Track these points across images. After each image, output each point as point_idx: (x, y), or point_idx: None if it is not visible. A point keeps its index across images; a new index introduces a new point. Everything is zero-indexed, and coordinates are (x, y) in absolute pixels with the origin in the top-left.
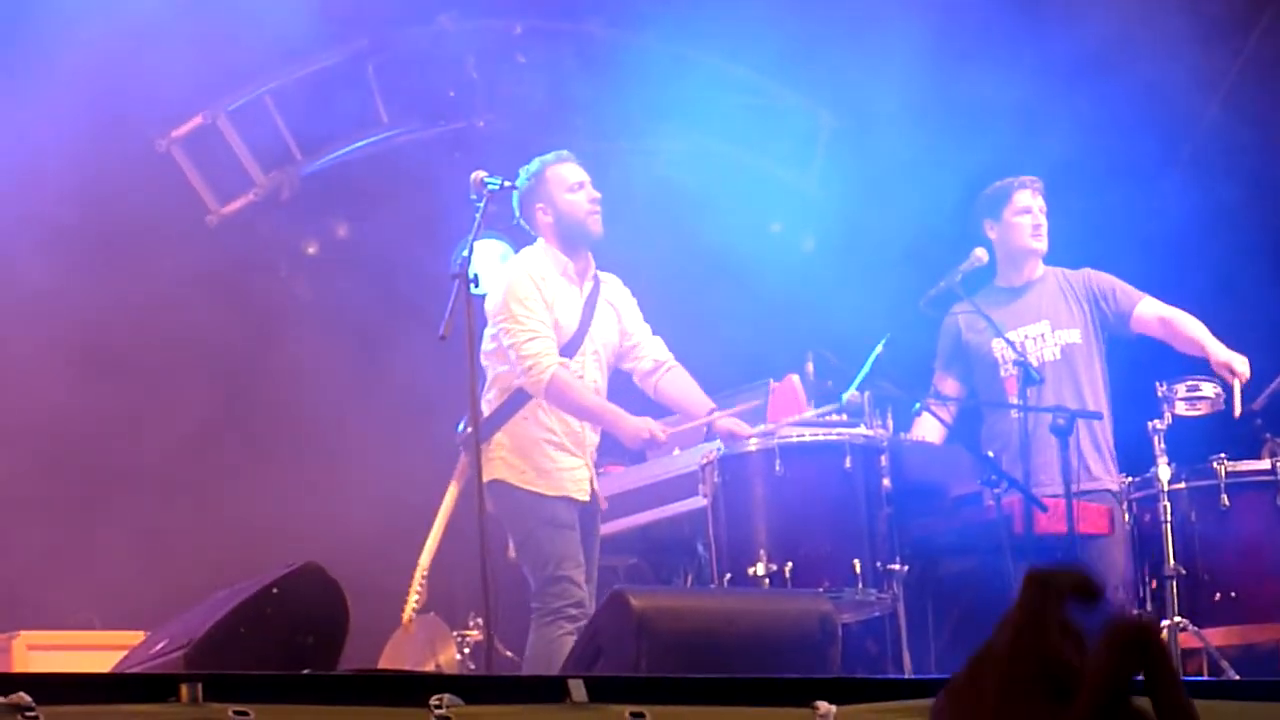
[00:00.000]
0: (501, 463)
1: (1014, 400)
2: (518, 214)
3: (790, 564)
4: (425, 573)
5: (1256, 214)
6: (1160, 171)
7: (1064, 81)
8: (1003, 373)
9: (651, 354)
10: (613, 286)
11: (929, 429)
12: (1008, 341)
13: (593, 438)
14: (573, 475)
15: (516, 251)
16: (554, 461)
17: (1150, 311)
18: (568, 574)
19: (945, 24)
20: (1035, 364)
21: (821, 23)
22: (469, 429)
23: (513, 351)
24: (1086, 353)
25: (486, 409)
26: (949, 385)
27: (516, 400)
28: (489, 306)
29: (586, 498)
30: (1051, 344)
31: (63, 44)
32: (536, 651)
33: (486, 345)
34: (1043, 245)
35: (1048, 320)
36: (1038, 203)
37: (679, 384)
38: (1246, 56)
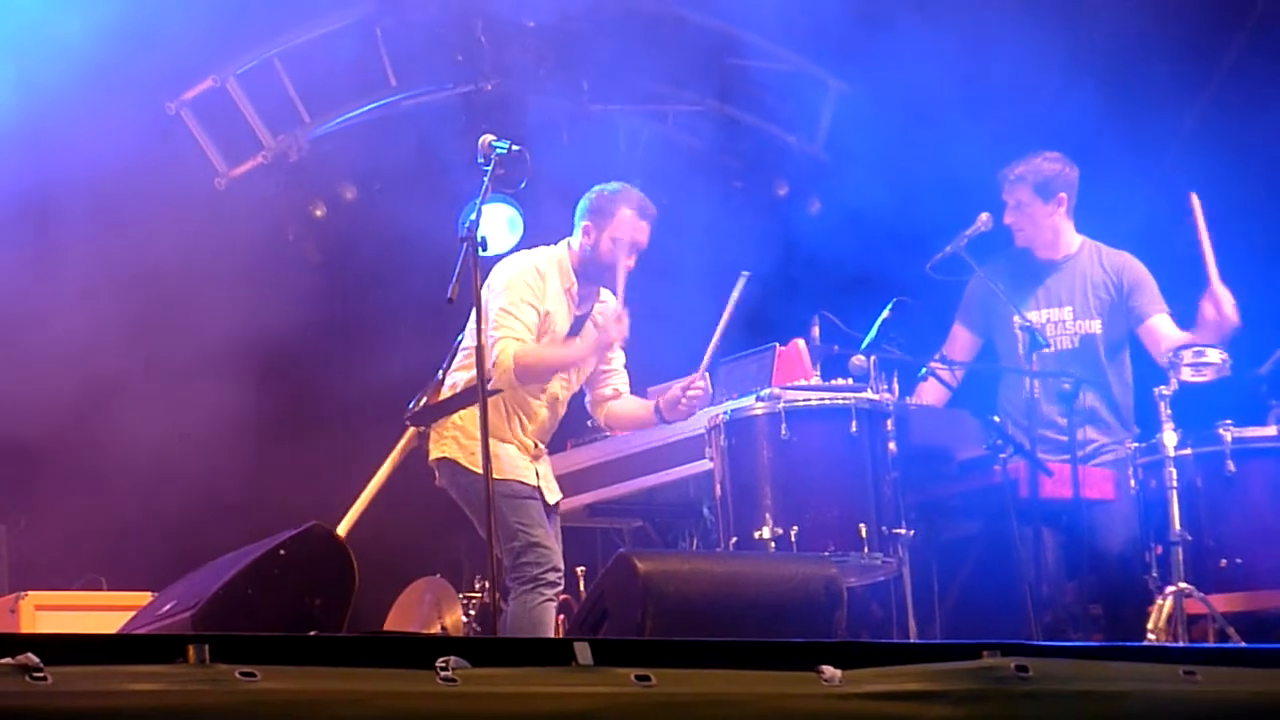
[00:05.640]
0: (453, 442)
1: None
2: (578, 215)
3: (796, 528)
4: None
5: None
6: (1162, 146)
7: (1072, 59)
8: (1020, 348)
9: (615, 383)
10: (604, 309)
11: (931, 393)
12: (1022, 315)
13: (540, 445)
14: (517, 468)
15: (523, 215)
16: (504, 451)
17: (1160, 330)
18: (538, 540)
19: None
20: (1053, 349)
21: None
22: (421, 402)
23: (491, 336)
24: (1106, 342)
25: (449, 391)
26: (963, 337)
27: (476, 392)
28: (487, 288)
29: (535, 483)
30: (1070, 332)
31: (73, 6)
32: (518, 623)
33: (469, 329)
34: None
35: (1070, 307)
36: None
37: (627, 405)
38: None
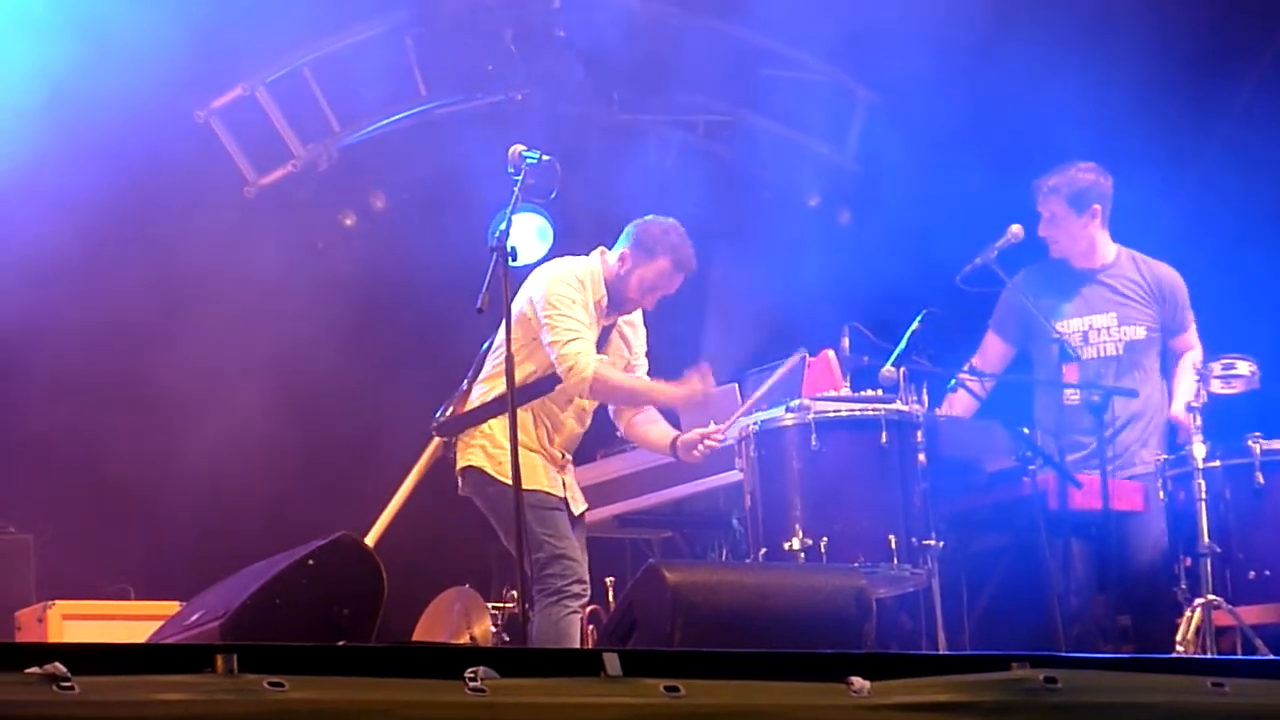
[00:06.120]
0: (480, 451)
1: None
2: (622, 238)
3: (825, 539)
4: None
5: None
6: (1189, 159)
7: (1100, 68)
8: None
9: None
10: (629, 319)
11: (960, 405)
12: (1052, 328)
13: (566, 455)
14: (545, 478)
15: (553, 225)
16: (529, 462)
17: (1180, 348)
18: (564, 552)
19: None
20: (1096, 355)
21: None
22: (447, 412)
23: (554, 349)
24: (1148, 348)
25: (477, 401)
26: (996, 348)
27: (504, 403)
28: (527, 298)
29: (561, 494)
30: (1115, 339)
31: (103, 14)
32: (543, 635)
33: (497, 340)
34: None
35: (1114, 314)
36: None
37: (651, 421)
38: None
